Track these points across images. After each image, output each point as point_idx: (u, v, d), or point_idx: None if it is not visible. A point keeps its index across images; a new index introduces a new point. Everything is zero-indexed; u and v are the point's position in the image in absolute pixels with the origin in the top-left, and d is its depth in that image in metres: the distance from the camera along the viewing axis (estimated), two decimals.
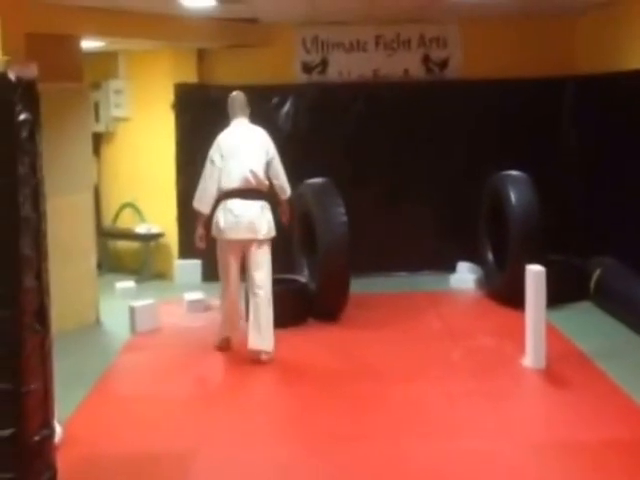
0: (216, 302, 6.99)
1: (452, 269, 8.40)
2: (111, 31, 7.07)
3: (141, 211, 9.20)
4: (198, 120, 7.26)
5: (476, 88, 8.63)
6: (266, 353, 6.09)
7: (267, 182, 6.23)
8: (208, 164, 6.13)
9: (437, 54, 8.98)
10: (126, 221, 9.34)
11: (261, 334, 6.08)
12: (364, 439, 4.78)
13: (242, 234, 6.03)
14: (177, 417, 5.22)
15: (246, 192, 6.05)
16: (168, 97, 8.74)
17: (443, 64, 8.99)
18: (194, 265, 8.51)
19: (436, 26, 8.88)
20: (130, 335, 6.93)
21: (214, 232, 6.15)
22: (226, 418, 5.23)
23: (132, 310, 6.97)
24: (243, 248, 6.11)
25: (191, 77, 8.85)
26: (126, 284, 8.24)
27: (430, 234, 8.74)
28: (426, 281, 8.51)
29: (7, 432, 3.35)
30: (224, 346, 6.41)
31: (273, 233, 6.18)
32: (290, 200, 6.55)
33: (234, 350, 6.49)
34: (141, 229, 9.04)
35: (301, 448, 4.69)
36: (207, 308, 7.49)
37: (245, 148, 6.13)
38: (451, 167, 8.67)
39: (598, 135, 8.16)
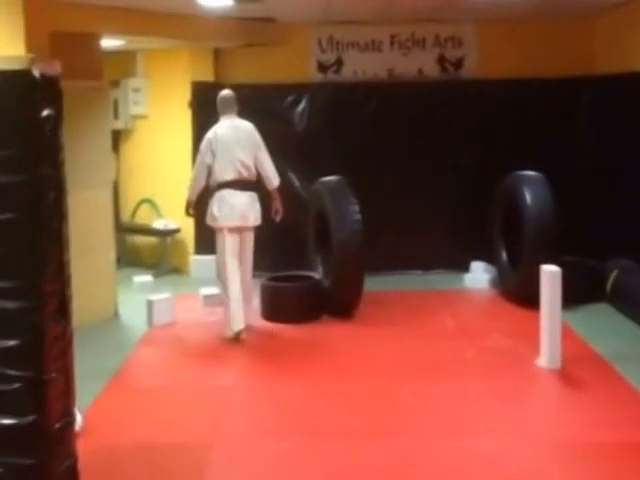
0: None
1: (466, 268, 8.43)
2: (131, 30, 7.17)
3: (158, 207, 9.32)
4: (214, 118, 7.35)
5: (491, 88, 8.67)
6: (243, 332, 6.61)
7: (255, 173, 6.69)
8: (199, 158, 6.65)
9: (452, 54, 9.03)
10: (144, 217, 9.46)
11: (239, 316, 6.57)
12: (377, 436, 4.82)
13: (235, 222, 6.57)
14: (192, 409, 5.31)
15: (238, 183, 6.58)
16: (185, 95, 8.86)
17: (458, 64, 9.04)
18: (210, 260, 8.60)
19: (451, 26, 8.93)
20: (147, 328, 7.04)
21: (209, 221, 6.67)
22: (239, 411, 5.33)
23: (149, 304, 7.09)
24: (240, 235, 6.64)
25: (208, 76, 8.96)
26: (143, 278, 8.35)
27: (444, 233, 8.78)
28: (440, 280, 8.54)
29: (30, 419, 3.41)
30: (237, 338, 6.60)
31: (260, 221, 6.73)
32: (279, 190, 6.89)
33: (248, 343, 6.60)
34: (158, 225, 9.16)
35: (312, 443, 4.73)
36: (222, 303, 7.57)
37: (235, 142, 6.60)
38: (466, 166, 8.70)
39: (614, 135, 8.16)
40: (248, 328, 6.71)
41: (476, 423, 4.99)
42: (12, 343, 3.38)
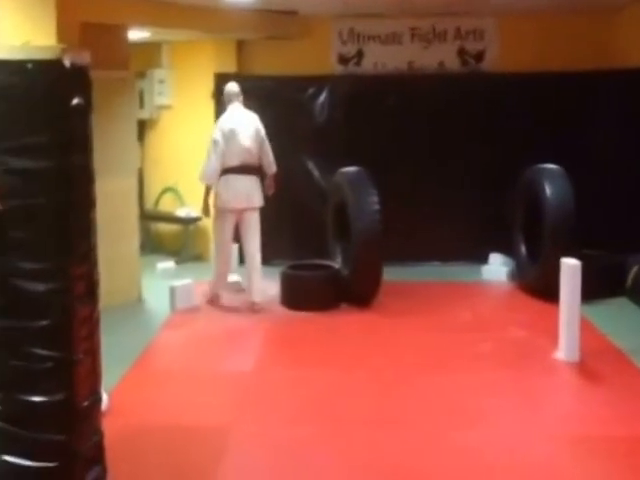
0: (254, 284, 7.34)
1: (484, 260, 8.45)
2: (158, 22, 7.27)
3: (181, 195, 9.46)
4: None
5: (512, 81, 8.67)
6: (257, 304, 7.16)
7: (258, 159, 7.19)
8: (212, 145, 7.02)
9: (473, 46, 9.05)
10: (167, 205, 9.61)
11: (254, 289, 7.20)
12: (393, 424, 4.85)
13: (240, 203, 7.06)
14: (212, 393, 5.42)
15: (243, 168, 7.08)
16: (208, 86, 8.95)
17: (479, 56, 9.07)
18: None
19: (472, 19, 8.94)
20: (170, 313, 7.16)
21: (217, 203, 7.16)
22: (258, 396, 5.40)
23: (172, 289, 7.22)
24: (238, 216, 7.13)
25: (231, 67, 9.05)
26: (166, 265, 8.49)
27: (463, 225, 8.77)
28: (458, 271, 8.56)
29: (59, 397, 3.52)
30: (215, 300, 7.31)
31: (262, 203, 7.22)
32: (276, 175, 7.38)
33: (268, 330, 6.72)
34: (181, 213, 9.30)
35: (329, 430, 4.79)
36: (242, 289, 7.70)
37: (242, 130, 7.09)
38: (486, 159, 8.68)
39: (636, 129, 8.16)
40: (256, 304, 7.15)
41: (492, 415, 4.98)
42: (43, 323, 3.48)
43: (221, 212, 7.18)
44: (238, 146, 7.05)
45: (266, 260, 7.60)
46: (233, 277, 7.83)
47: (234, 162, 7.05)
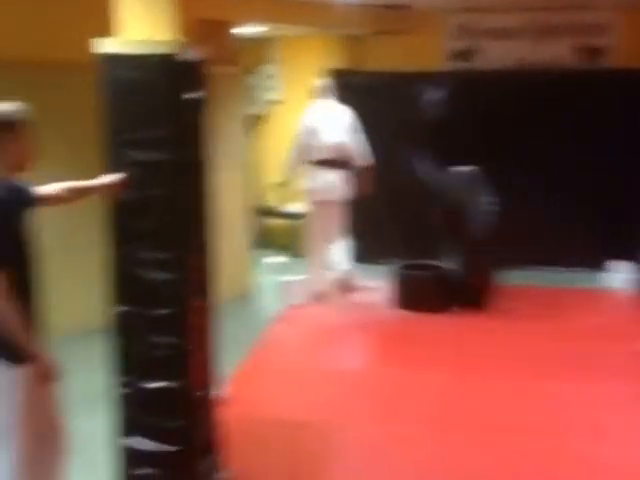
0: (365, 282, 7.51)
1: (607, 267, 8.04)
2: (270, 18, 7.34)
3: (291, 190, 9.52)
4: (347, 104, 7.49)
5: (634, 77, 8.25)
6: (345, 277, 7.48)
7: (348, 153, 7.21)
8: (297, 138, 7.26)
9: (591, 42, 8.69)
10: (277, 200, 9.71)
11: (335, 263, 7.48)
12: (508, 431, 4.69)
13: (325, 196, 7.19)
14: (325, 389, 5.42)
15: (329, 161, 7.19)
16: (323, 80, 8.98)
17: (597, 52, 8.70)
18: (343, 245, 8.67)
19: (590, 13, 8.59)
20: (280, 308, 7.19)
21: (306, 196, 7.35)
22: (374, 395, 5.35)
23: (284, 284, 7.29)
24: (325, 208, 7.22)
25: (341, 63, 9.03)
26: (277, 259, 8.58)
27: (582, 229, 8.37)
28: (577, 277, 8.09)
29: (175, 384, 3.63)
30: (321, 297, 7.25)
31: (349, 196, 7.27)
32: (371, 169, 7.28)
33: (380, 330, 6.67)
34: (291, 208, 9.38)
35: (439, 433, 4.71)
36: (355, 287, 7.65)
37: (328, 124, 7.21)
38: (607, 161, 8.25)
39: None
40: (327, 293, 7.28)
41: (615, 429, 4.75)
42: (162, 312, 3.59)
43: (310, 205, 7.36)
44: (322, 140, 7.18)
45: (371, 259, 7.63)
46: (338, 273, 7.82)
47: (319, 155, 7.19)
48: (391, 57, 8.90)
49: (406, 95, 8.76)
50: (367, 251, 8.41)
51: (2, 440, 3.21)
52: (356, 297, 7.41)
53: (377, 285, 7.55)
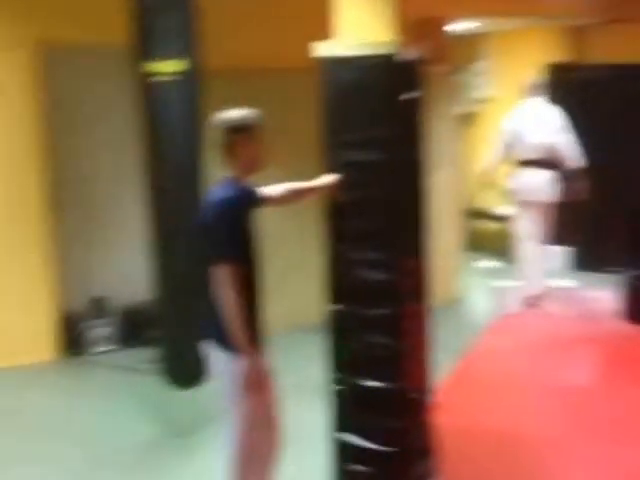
0: (589, 293, 7.25)
1: None
2: (487, 11, 7.11)
3: (503, 192, 9.24)
4: (571, 101, 7.20)
5: None
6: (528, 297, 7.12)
7: (556, 154, 7.01)
8: (499, 137, 7.24)
9: None
10: (487, 201, 9.47)
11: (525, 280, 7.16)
12: None
13: (534, 197, 7.05)
14: (543, 403, 5.14)
15: (534, 162, 7.05)
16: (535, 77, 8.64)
17: None
18: (561, 251, 8.30)
19: None
20: (493, 315, 6.99)
21: (511, 196, 7.28)
22: (599, 414, 4.99)
23: (496, 290, 7.06)
24: (533, 209, 7.07)
25: (560, 56, 8.64)
26: (488, 264, 8.36)
27: None
28: None
29: (390, 385, 3.64)
30: (535, 305, 7.03)
31: (555, 198, 7.05)
32: (582, 173, 7.01)
33: (603, 344, 6.28)
34: (503, 210, 9.10)
35: None
36: (576, 298, 7.29)
37: (534, 124, 7.09)
38: None
39: None
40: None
41: None
42: (377, 312, 3.62)
43: (515, 206, 7.28)
44: (528, 140, 7.08)
45: (594, 267, 7.26)
46: (566, 282, 7.49)
47: (525, 155, 7.11)
48: (622, 48, 8.31)
49: (622, 90, 8.18)
50: (590, 258, 8.01)
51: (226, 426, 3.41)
52: (578, 307, 7.06)
53: (602, 295, 7.15)
